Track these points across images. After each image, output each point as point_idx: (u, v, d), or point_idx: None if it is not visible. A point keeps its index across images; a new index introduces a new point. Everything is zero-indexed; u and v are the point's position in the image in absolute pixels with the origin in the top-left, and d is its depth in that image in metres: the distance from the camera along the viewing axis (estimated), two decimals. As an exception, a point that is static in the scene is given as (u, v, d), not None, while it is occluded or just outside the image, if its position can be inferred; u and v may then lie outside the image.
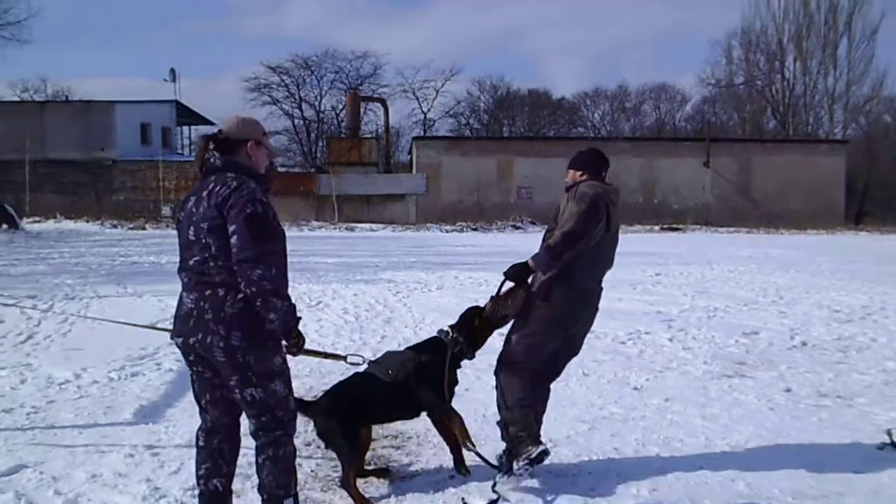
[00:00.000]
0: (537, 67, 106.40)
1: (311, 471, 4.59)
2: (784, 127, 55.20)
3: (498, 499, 4.07)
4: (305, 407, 4.27)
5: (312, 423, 4.36)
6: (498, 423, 4.50)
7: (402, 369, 4.34)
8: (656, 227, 38.73)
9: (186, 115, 48.36)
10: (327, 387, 4.83)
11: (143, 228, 34.44)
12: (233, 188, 3.36)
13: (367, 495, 4.14)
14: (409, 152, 46.25)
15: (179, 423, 5.46)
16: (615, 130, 63.12)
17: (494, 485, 4.14)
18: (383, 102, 47.77)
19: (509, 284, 4.50)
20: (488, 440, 4.99)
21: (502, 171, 41.22)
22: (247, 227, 3.28)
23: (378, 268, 16.91)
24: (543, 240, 4.67)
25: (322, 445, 4.39)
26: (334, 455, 4.28)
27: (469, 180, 39.86)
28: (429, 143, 44.72)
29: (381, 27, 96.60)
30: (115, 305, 10.83)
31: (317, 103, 58.28)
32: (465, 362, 4.61)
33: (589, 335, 9.00)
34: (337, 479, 4.29)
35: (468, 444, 4.34)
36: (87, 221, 33.84)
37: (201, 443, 3.57)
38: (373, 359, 4.55)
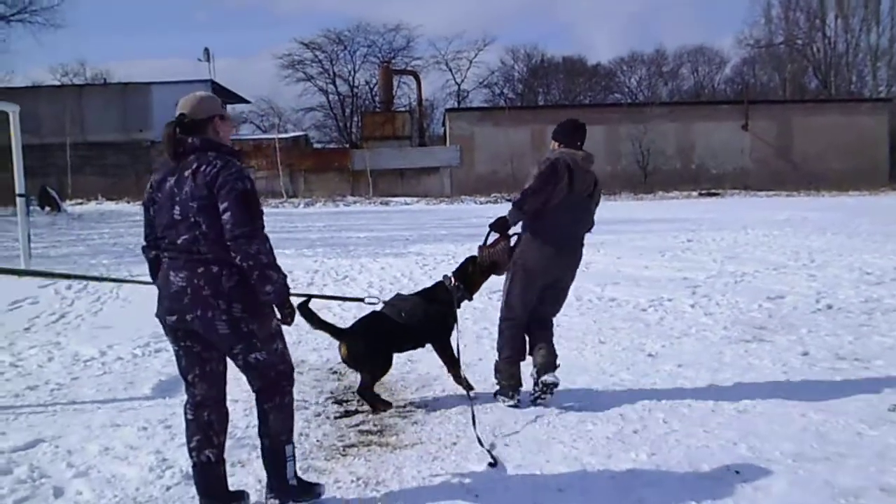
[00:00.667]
0: (572, 34, 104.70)
1: (317, 440, 4.68)
2: (826, 87, 53.84)
3: (496, 463, 4.14)
4: (339, 333, 5.37)
5: (341, 346, 5.29)
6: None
7: (412, 314, 5.35)
8: (694, 193, 38.23)
9: (222, 95, 48.48)
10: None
11: (182, 208, 34.90)
12: (220, 167, 3.44)
13: (369, 466, 4.23)
14: (443, 124, 46.14)
15: (196, 397, 5.60)
16: (652, 95, 62.07)
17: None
18: (416, 75, 47.62)
19: (494, 235, 5.32)
20: (498, 408, 5.09)
21: (536, 140, 40.87)
22: (239, 204, 3.38)
23: (408, 241, 16.98)
24: None
25: (351, 369, 5.57)
26: (345, 422, 4.46)
27: (503, 151, 39.60)
28: (462, 115, 44.55)
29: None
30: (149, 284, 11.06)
31: (350, 78, 58.29)
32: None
33: (610, 303, 9.10)
34: (355, 394, 5.37)
35: (462, 385, 5.27)
36: (128, 202, 34.39)
37: (190, 416, 3.67)
38: (386, 300, 5.57)
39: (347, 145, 49.39)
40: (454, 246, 15.37)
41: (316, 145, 51.60)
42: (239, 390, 5.59)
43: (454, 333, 5.37)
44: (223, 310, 3.42)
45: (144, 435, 4.76)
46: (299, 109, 59.97)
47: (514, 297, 5.31)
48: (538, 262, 5.21)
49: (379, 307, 5.42)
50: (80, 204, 33.57)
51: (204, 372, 3.63)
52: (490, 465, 4.15)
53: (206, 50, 46.88)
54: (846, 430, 4.66)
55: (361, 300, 5.51)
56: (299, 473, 3.76)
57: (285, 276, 3.50)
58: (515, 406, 5.17)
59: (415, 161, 41.15)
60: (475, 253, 5.54)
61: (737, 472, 4.00)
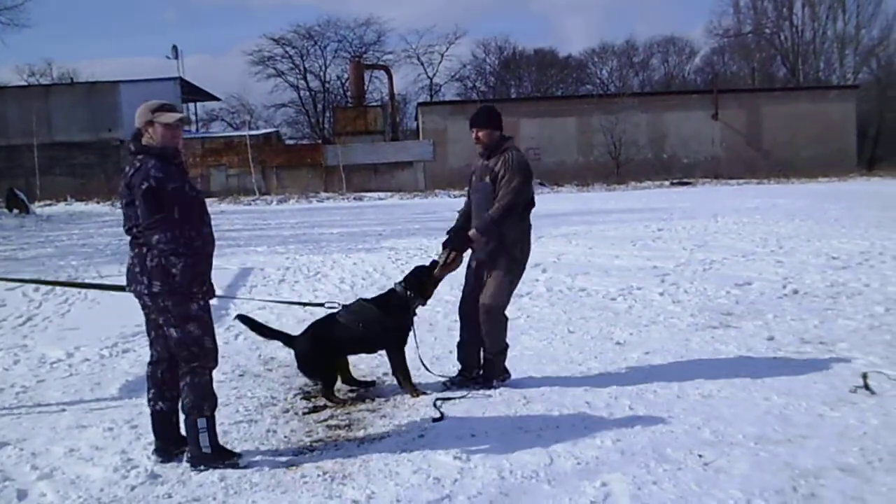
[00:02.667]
0: (543, 26, 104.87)
1: (285, 436, 4.68)
2: (794, 75, 54.46)
3: (441, 417, 4.82)
4: (288, 340, 5.49)
5: (293, 352, 5.44)
6: (484, 351, 5.50)
7: (370, 326, 5.36)
8: (666, 183, 38.49)
9: (192, 92, 48.25)
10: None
11: (153, 207, 34.58)
12: (136, 168, 4.08)
13: (336, 461, 4.24)
14: (416, 119, 46.08)
15: (163, 396, 5.57)
16: (624, 86, 62.46)
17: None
18: (387, 70, 47.43)
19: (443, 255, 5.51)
20: (466, 400, 5.11)
21: (508, 132, 40.49)
22: (143, 201, 4.00)
23: (381, 236, 16.95)
24: (480, 201, 5.45)
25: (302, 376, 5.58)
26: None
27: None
28: (434, 109, 44.59)
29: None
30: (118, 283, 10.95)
31: (321, 74, 58.08)
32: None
33: (580, 293, 9.16)
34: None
35: (414, 395, 5.31)
36: (98, 202, 33.99)
37: (148, 372, 4.36)
38: (346, 304, 5.60)
39: (320, 141, 49.23)
40: (427, 240, 15.36)
41: (288, 141, 51.45)
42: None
43: (410, 340, 5.46)
44: (146, 285, 4.07)
45: (110, 435, 4.73)
46: (270, 106, 59.76)
47: (511, 293, 5.52)
48: (528, 255, 5.51)
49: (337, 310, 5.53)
50: (49, 205, 33.12)
51: (158, 334, 4.26)
52: (435, 419, 4.77)
53: (175, 47, 46.68)
54: (808, 412, 4.73)
55: (321, 305, 5.68)
56: (151, 458, 4.30)
57: (188, 261, 4.01)
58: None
59: (388, 156, 41.04)
60: (423, 263, 5.80)
61: (699, 456, 4.06)
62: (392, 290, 5.59)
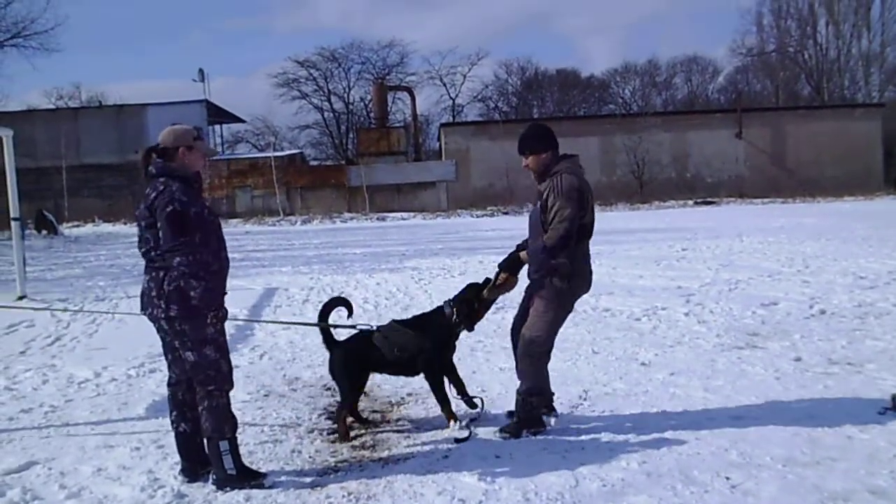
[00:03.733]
0: (566, 46, 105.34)
1: (310, 457, 4.69)
2: (819, 93, 54.07)
3: (468, 436, 4.83)
4: (332, 343, 5.24)
5: (329, 356, 5.20)
6: (518, 392, 4.96)
7: (405, 351, 5.05)
8: (689, 202, 38.32)
9: (217, 115, 48.85)
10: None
11: (179, 228, 34.93)
12: (159, 192, 4.08)
13: (360, 481, 4.24)
14: (438, 139, 46.27)
15: (189, 416, 5.61)
16: (646, 105, 62.32)
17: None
18: (410, 91, 47.75)
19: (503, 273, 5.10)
20: (490, 420, 5.11)
21: (532, 153, 41.02)
22: (167, 224, 4.00)
23: (404, 256, 17.03)
24: (531, 226, 4.96)
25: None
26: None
27: (498, 164, 39.61)
28: (456, 130, 44.74)
29: (407, 14, 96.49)
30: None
31: (345, 95, 58.46)
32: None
33: (604, 313, 9.14)
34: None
35: (447, 417, 5.04)
36: (125, 223, 34.42)
37: (169, 394, 4.38)
38: (380, 326, 5.29)
39: (343, 162, 49.51)
40: (450, 259, 15.43)
41: (312, 162, 51.82)
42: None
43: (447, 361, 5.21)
44: (163, 309, 4.05)
45: (137, 455, 4.76)
46: (295, 127, 60.25)
47: (557, 328, 4.94)
48: (579, 288, 4.91)
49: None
50: (77, 226, 33.63)
51: (175, 357, 4.27)
52: (459, 440, 4.78)
53: (201, 70, 47.22)
54: (837, 434, 4.67)
55: (354, 328, 5.32)
56: (178, 478, 4.32)
57: (208, 285, 4.04)
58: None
59: (411, 176, 41.27)
60: (475, 280, 5.36)
61: (727, 478, 4.02)
62: (439, 309, 5.26)
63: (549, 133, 4.97)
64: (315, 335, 8.57)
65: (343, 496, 4.01)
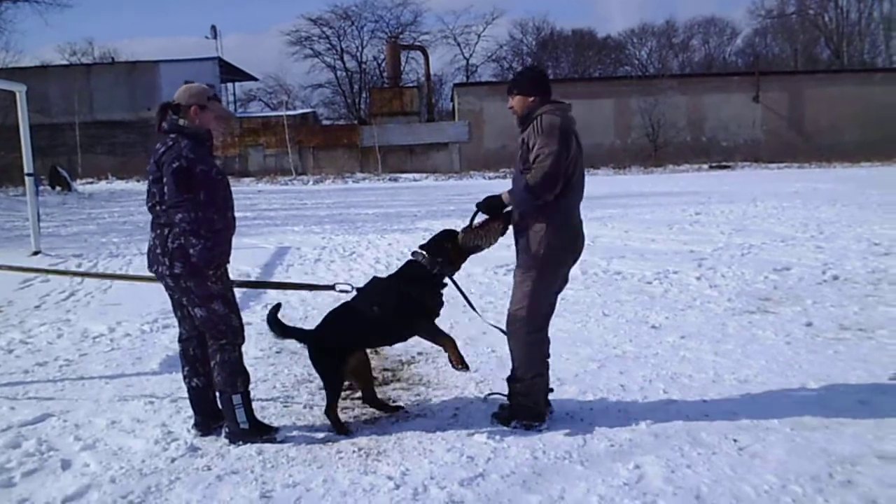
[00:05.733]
0: (582, 5, 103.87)
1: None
2: (838, 57, 53.32)
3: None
4: (302, 335, 4.75)
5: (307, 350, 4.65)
6: (508, 380, 4.42)
7: (386, 304, 4.44)
8: (704, 166, 38.06)
9: (230, 72, 48.61)
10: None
11: (192, 186, 34.99)
12: (167, 147, 4.11)
13: (371, 438, 4.29)
14: (451, 100, 45.95)
15: (202, 371, 5.68)
16: (663, 68, 61.57)
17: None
18: (423, 50, 47.34)
19: (482, 216, 4.48)
20: (498, 381, 5.11)
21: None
22: (172, 179, 4.01)
23: (416, 217, 17.03)
24: (514, 182, 4.39)
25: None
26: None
27: (511, 125, 38.11)
28: (470, 90, 44.43)
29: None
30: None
31: (358, 54, 58.09)
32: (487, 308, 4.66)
33: (615, 276, 9.13)
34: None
35: (459, 367, 4.40)
36: (138, 181, 34.48)
37: (180, 350, 4.43)
38: (360, 287, 4.71)
39: (356, 122, 49.29)
40: (462, 221, 15.29)
41: (324, 122, 51.59)
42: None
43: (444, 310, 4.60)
44: (167, 266, 4.11)
45: (151, 409, 4.82)
46: (307, 86, 59.96)
47: (540, 300, 4.32)
48: (562, 252, 4.31)
49: (352, 295, 4.68)
50: (90, 183, 33.75)
51: (183, 314, 4.34)
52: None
53: (213, 27, 46.92)
54: (846, 399, 4.67)
55: (332, 287, 4.88)
56: (190, 431, 4.37)
57: (207, 243, 4.03)
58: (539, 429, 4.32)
59: (423, 137, 41.09)
60: (452, 227, 4.76)
61: (734, 441, 4.04)
62: (410, 261, 4.62)
63: (543, 79, 4.49)
64: (325, 293, 8.64)
65: (353, 451, 4.06)
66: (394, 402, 4.86)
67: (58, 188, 27.55)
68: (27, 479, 3.83)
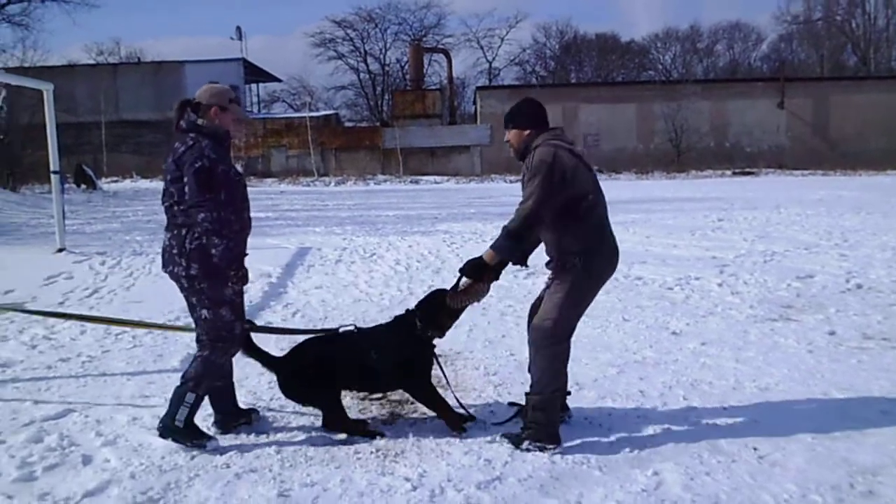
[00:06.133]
0: (606, 9, 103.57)
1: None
2: (865, 63, 52.76)
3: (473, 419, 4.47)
4: (270, 363, 4.52)
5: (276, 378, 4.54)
6: (526, 393, 4.27)
7: (384, 356, 4.37)
8: (728, 172, 37.78)
9: (254, 73, 48.95)
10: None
11: (215, 186, 35.24)
12: (188, 146, 4.08)
13: (389, 439, 4.29)
14: (473, 103, 45.96)
15: (222, 370, 5.72)
16: (687, 73, 61.27)
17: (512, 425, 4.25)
18: (446, 53, 47.40)
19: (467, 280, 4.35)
20: (517, 384, 5.11)
21: (567, 118, 40.57)
22: (194, 179, 3.99)
23: (436, 219, 17.03)
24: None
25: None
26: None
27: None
28: (492, 93, 44.34)
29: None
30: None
31: (381, 56, 58.20)
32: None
33: (636, 281, 9.08)
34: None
35: (456, 431, 4.34)
36: (162, 180, 34.79)
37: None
38: (362, 328, 4.64)
39: (378, 124, 49.39)
40: (482, 224, 15.40)
41: (347, 124, 51.72)
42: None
43: (434, 371, 4.53)
44: (184, 267, 4.08)
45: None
46: (330, 88, 60.15)
47: (570, 314, 4.19)
48: (599, 270, 4.23)
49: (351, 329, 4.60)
50: (115, 182, 34.05)
51: (195, 315, 4.26)
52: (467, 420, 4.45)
53: (238, 28, 47.25)
54: (868, 408, 4.63)
55: (336, 331, 4.64)
56: (210, 429, 4.34)
57: (230, 243, 4.03)
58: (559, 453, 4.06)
59: (445, 139, 41.12)
60: (443, 286, 4.70)
61: (754, 449, 4.01)
62: (401, 316, 4.60)
63: (538, 110, 4.41)
64: (346, 295, 8.68)
65: (371, 452, 4.07)
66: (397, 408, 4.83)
67: (83, 186, 27.83)
68: (48, 473, 3.88)
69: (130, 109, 40.83)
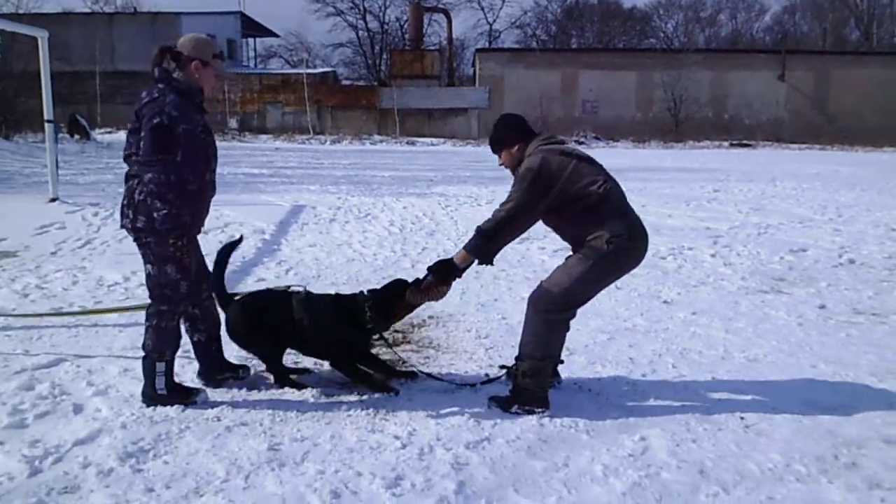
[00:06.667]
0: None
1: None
2: (868, 38, 52.45)
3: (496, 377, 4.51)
4: (223, 300, 4.57)
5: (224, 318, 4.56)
6: (516, 358, 4.22)
7: (319, 324, 4.38)
8: (725, 143, 37.72)
9: (251, 27, 48.40)
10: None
11: (210, 140, 35.02)
12: (152, 98, 3.88)
13: (385, 395, 4.32)
14: (473, 65, 45.60)
15: (215, 324, 5.73)
16: (688, 42, 60.77)
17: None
18: (447, 13, 46.87)
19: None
20: (508, 347, 5.13)
21: (567, 84, 40.39)
22: (149, 136, 3.80)
23: (432, 182, 16.99)
24: None
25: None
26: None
27: (533, 94, 39.03)
28: (492, 56, 44.04)
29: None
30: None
31: (381, 14, 57.69)
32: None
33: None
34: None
35: (377, 389, 4.37)
36: (156, 133, 34.52)
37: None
38: (312, 293, 4.61)
39: (375, 83, 49.04)
40: (477, 188, 15.37)
41: (344, 82, 51.31)
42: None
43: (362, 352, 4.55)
44: (131, 219, 3.95)
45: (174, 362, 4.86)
46: (328, 45, 59.80)
47: (586, 288, 4.12)
48: (633, 253, 4.16)
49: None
50: (109, 133, 33.75)
51: None
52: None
53: (237, -20, 46.47)
54: (856, 382, 4.67)
55: (287, 289, 4.64)
56: (189, 382, 4.36)
57: (171, 208, 3.83)
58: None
59: (443, 101, 40.86)
60: (436, 250, 4.76)
61: (741, 418, 4.04)
62: (355, 297, 4.55)
63: (517, 123, 4.35)
64: (339, 254, 8.67)
65: (362, 410, 4.07)
66: (405, 363, 4.86)
67: (77, 136, 27.60)
68: (40, 420, 3.90)
69: (126, 60, 40.27)
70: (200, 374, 4.47)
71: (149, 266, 4.03)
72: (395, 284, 4.52)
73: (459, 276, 4.29)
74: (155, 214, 3.83)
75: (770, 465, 3.52)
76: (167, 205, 3.81)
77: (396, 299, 4.40)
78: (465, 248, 4.16)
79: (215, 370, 4.46)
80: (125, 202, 3.98)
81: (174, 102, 3.84)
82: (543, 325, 4.11)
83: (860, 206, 13.31)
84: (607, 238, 3.99)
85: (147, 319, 4.08)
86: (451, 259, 4.23)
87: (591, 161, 4.22)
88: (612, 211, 4.09)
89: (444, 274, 4.23)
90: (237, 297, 4.68)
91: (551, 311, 4.09)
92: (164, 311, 4.04)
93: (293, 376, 4.56)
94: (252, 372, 4.62)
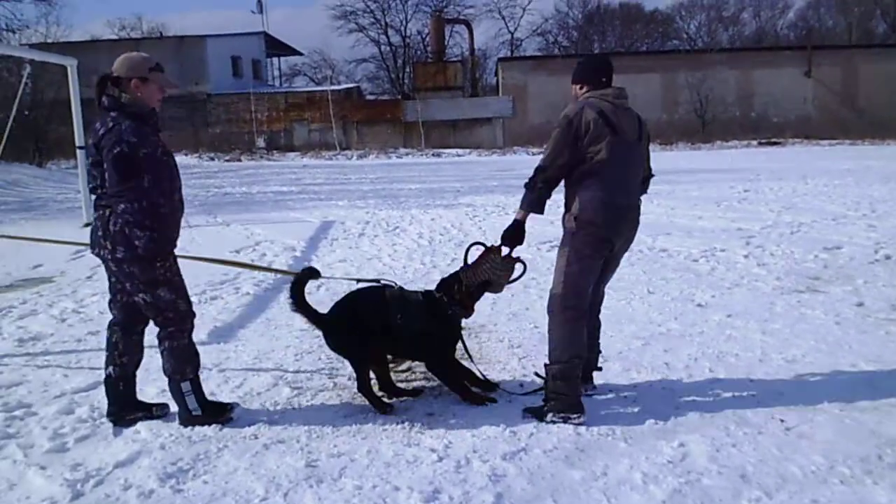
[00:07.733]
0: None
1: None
2: (894, 31, 51.68)
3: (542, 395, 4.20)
4: (317, 320, 4.50)
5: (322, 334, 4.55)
6: (545, 364, 4.21)
7: (410, 321, 4.37)
8: (753, 142, 37.35)
9: (275, 47, 48.97)
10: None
11: (239, 160, 35.51)
12: (108, 129, 3.83)
13: (416, 406, 4.32)
14: (495, 74, 45.64)
15: (249, 343, 5.77)
16: (712, 41, 60.40)
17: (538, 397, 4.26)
18: (468, 24, 47.01)
19: (476, 252, 4.51)
20: (541, 356, 5.09)
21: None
22: (113, 166, 3.78)
23: (459, 192, 17.03)
24: None
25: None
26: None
27: (556, 100, 38.70)
28: (514, 64, 44.04)
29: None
30: (204, 234, 11.32)
31: (402, 28, 57.97)
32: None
33: (661, 253, 9.03)
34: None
35: (471, 401, 4.38)
36: (186, 154, 35.03)
37: (107, 335, 4.24)
38: (403, 288, 4.62)
39: (399, 96, 49.25)
40: (504, 197, 15.37)
41: (368, 97, 51.65)
42: (290, 336, 5.76)
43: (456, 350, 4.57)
44: (109, 250, 3.88)
45: (200, 378, 4.90)
46: (351, 61, 60.18)
47: (575, 279, 4.13)
48: (605, 219, 4.09)
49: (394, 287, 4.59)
50: (140, 157, 34.19)
51: (116, 300, 4.16)
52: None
53: (259, 1, 47.13)
54: (898, 381, 4.59)
55: (377, 281, 4.68)
56: (224, 399, 4.38)
57: (151, 235, 3.81)
58: (580, 423, 4.01)
59: (467, 112, 40.93)
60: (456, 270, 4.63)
61: (781, 421, 3.98)
62: (429, 292, 4.60)
63: (590, 67, 4.39)
64: (369, 268, 8.70)
65: (397, 423, 4.07)
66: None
67: (108, 161, 27.99)
68: (80, 444, 3.95)
69: (153, 84, 40.93)
70: (109, 414, 4.21)
71: (140, 295, 3.98)
72: (449, 279, 4.57)
73: (509, 250, 4.40)
74: (136, 242, 3.80)
75: (813, 467, 3.46)
76: (146, 231, 3.80)
77: (457, 285, 4.46)
78: (519, 206, 4.29)
79: (124, 409, 4.21)
80: (100, 233, 3.90)
81: (130, 129, 3.80)
82: (560, 325, 4.15)
83: (894, 201, 13.10)
84: (575, 215, 4.12)
85: (159, 344, 4.10)
86: (514, 220, 4.31)
87: (614, 127, 4.13)
88: (596, 181, 4.10)
89: (513, 232, 4.32)
90: (328, 311, 4.60)
91: (563, 310, 4.14)
92: (173, 332, 4.07)
93: (402, 398, 4.52)
94: (170, 409, 4.30)
